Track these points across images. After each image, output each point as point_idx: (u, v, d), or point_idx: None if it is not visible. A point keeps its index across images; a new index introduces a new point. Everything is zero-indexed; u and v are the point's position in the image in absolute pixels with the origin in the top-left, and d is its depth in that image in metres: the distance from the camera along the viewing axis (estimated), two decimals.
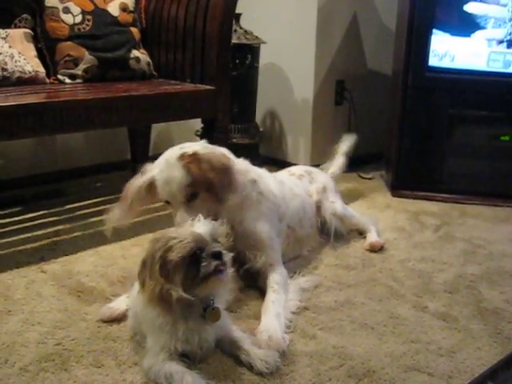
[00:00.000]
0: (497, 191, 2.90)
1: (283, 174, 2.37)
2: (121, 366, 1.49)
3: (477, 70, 2.80)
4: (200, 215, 1.49)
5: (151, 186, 1.81)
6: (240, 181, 1.86)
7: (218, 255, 1.41)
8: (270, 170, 2.19)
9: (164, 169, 1.78)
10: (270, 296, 1.79)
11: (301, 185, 2.32)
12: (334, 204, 2.37)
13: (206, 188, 1.76)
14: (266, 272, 1.88)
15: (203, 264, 1.39)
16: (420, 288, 1.99)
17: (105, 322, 1.69)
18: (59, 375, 1.45)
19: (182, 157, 1.76)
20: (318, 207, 2.34)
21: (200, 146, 1.83)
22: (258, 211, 1.92)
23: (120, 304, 1.73)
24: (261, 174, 2.04)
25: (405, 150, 2.95)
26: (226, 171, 1.79)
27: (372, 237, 2.36)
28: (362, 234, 2.42)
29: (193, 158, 1.76)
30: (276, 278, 1.85)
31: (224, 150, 1.90)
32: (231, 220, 1.75)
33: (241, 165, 1.94)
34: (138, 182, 1.85)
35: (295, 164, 3.23)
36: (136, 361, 1.51)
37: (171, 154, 1.81)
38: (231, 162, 1.85)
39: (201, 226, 1.44)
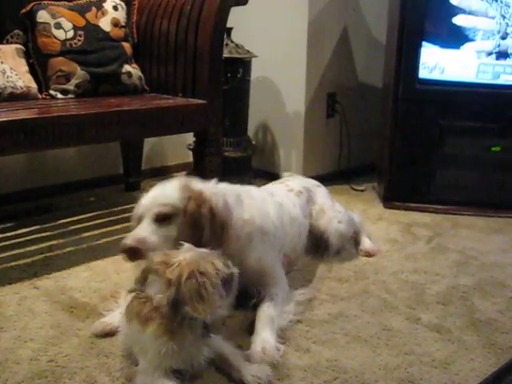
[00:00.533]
0: (488, 202, 2.91)
1: (281, 189, 2.27)
2: (114, 382, 1.49)
3: (466, 81, 2.83)
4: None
5: None
6: (234, 234, 1.77)
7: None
8: (263, 184, 2.17)
9: (158, 187, 1.75)
10: (266, 306, 1.77)
11: (298, 204, 2.22)
12: (338, 225, 2.30)
13: (186, 223, 1.67)
14: (269, 293, 1.84)
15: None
16: (413, 300, 1.99)
17: (97, 336, 1.69)
18: None
19: (186, 186, 1.71)
20: (314, 227, 2.28)
21: (207, 187, 1.76)
22: (258, 249, 1.85)
23: (113, 319, 1.72)
24: (260, 208, 1.92)
25: (396, 162, 2.96)
26: (221, 228, 1.71)
27: (366, 242, 2.38)
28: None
29: (196, 195, 1.70)
30: (276, 290, 1.84)
31: (230, 195, 1.82)
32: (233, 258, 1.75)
33: (240, 209, 1.84)
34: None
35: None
36: (129, 377, 1.50)
37: (176, 181, 1.77)
38: (229, 218, 1.75)
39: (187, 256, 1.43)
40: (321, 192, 2.40)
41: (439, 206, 2.93)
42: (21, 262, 2.21)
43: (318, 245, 2.30)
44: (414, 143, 2.91)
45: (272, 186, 2.33)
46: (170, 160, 3.51)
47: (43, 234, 2.49)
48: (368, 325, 1.81)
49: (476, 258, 2.37)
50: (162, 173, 3.40)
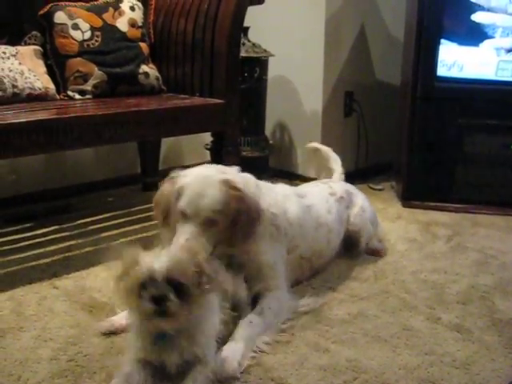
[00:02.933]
0: (509, 200, 2.88)
1: (320, 192, 2.22)
2: None
3: (486, 79, 2.80)
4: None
5: (180, 194, 1.72)
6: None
7: (157, 300, 1.34)
8: (279, 182, 2.14)
9: (200, 181, 1.71)
10: (252, 317, 1.70)
11: (336, 210, 2.17)
12: (370, 227, 2.30)
13: (227, 224, 1.69)
14: (263, 296, 1.80)
15: (141, 303, 1.36)
16: (433, 299, 1.98)
17: (105, 334, 1.69)
18: None
19: (227, 183, 1.70)
20: (350, 227, 2.26)
21: (237, 175, 1.78)
22: (265, 243, 1.83)
23: (121, 318, 1.72)
24: (277, 202, 1.91)
25: (415, 161, 2.94)
26: (255, 221, 1.73)
27: (374, 241, 2.37)
28: None
29: (238, 192, 1.69)
30: (270, 302, 1.77)
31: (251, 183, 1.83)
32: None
33: (268, 198, 1.87)
34: (166, 189, 1.77)
35: (304, 176, 3.24)
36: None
37: (211, 172, 1.75)
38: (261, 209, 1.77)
39: (160, 262, 1.37)
40: (361, 194, 2.38)
41: (458, 205, 2.90)
42: (40, 261, 2.22)
43: (346, 243, 2.28)
44: (433, 142, 2.89)
45: (309, 187, 2.27)
46: (187, 160, 3.51)
47: (62, 234, 2.51)
48: (388, 324, 1.80)
49: (496, 257, 2.34)
50: None
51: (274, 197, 1.91)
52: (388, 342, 1.70)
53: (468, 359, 1.62)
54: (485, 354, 1.65)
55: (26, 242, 2.42)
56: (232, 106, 2.51)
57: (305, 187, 2.29)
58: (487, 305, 1.94)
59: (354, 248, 2.29)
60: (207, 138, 2.86)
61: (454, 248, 2.44)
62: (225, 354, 1.53)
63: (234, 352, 1.55)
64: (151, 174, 3.19)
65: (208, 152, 2.76)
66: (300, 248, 1.99)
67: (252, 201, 1.73)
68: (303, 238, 2.00)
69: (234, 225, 1.69)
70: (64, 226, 2.61)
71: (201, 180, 1.72)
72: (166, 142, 3.33)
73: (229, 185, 1.70)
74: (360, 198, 2.33)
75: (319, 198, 2.16)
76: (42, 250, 2.33)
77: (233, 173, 1.79)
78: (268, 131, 3.36)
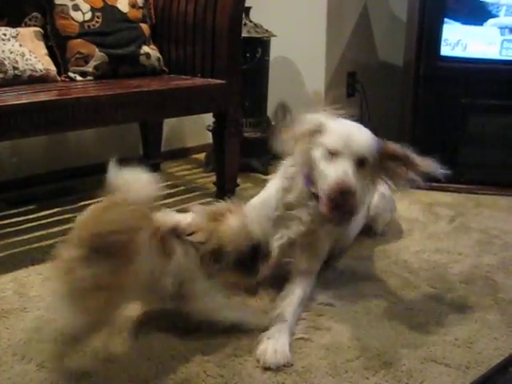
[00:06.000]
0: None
1: None
2: (136, 361, 1.50)
3: (489, 58, 2.78)
4: None
5: (315, 133, 1.72)
6: None
7: None
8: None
9: (348, 124, 1.73)
10: (295, 306, 1.69)
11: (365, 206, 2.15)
12: (387, 214, 2.30)
13: (379, 169, 1.70)
14: (301, 279, 1.79)
15: None
16: (435, 279, 1.98)
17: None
18: (75, 371, 1.45)
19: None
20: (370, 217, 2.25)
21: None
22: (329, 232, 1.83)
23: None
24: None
25: (417, 141, 2.91)
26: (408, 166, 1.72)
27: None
28: None
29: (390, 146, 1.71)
30: (307, 290, 1.77)
31: None
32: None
33: None
34: (307, 123, 1.74)
35: None
36: (153, 355, 1.52)
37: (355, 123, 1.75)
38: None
39: None
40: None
41: (461, 186, 2.89)
42: (43, 243, 2.23)
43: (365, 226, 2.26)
44: (436, 122, 2.88)
45: None
46: (189, 141, 3.50)
47: (65, 216, 2.50)
48: (390, 304, 1.80)
49: (499, 237, 2.34)
50: (182, 154, 3.40)
51: None
52: (390, 321, 1.71)
53: (470, 338, 1.63)
54: (487, 333, 1.65)
55: (29, 224, 2.42)
56: (234, 86, 2.50)
57: None
58: (490, 284, 1.95)
59: (369, 231, 2.28)
60: (209, 119, 2.85)
61: (457, 228, 2.44)
62: (274, 345, 1.52)
63: (282, 344, 1.53)
64: (153, 156, 3.18)
65: (210, 133, 2.76)
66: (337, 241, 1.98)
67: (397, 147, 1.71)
68: (344, 232, 1.99)
69: (384, 171, 1.71)
70: (66, 208, 2.60)
71: (346, 123, 1.73)
72: (168, 124, 3.32)
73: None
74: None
75: None
76: (44, 232, 2.33)
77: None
78: (270, 112, 3.34)
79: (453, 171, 2.86)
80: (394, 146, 1.72)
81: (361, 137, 1.69)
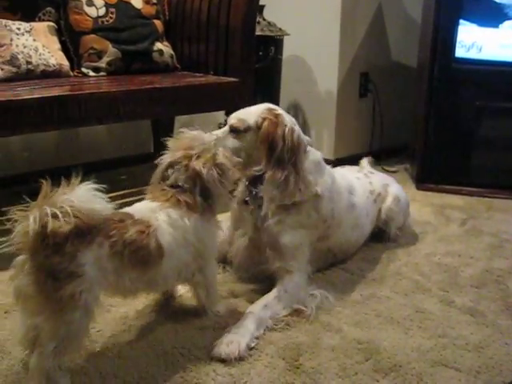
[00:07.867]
0: None
1: (364, 192, 2.14)
2: (144, 358, 1.49)
3: (505, 61, 2.76)
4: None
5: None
6: (309, 180, 1.80)
7: None
8: None
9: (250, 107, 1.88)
10: (268, 300, 1.71)
11: (372, 212, 2.16)
12: (401, 218, 2.27)
13: (257, 145, 1.78)
14: (281, 277, 1.79)
15: None
16: (446, 282, 1.96)
17: None
18: (85, 367, 1.45)
19: (271, 110, 1.81)
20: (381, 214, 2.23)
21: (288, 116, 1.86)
22: (299, 221, 1.82)
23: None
24: (337, 193, 1.94)
25: (430, 143, 2.91)
26: (294, 150, 1.76)
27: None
28: None
29: (275, 119, 1.78)
30: (287, 285, 1.76)
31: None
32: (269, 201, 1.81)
33: (329, 170, 1.94)
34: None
35: None
36: (162, 352, 1.51)
37: (265, 104, 1.88)
38: (301, 147, 1.81)
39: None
40: (396, 184, 2.33)
41: (473, 189, 2.88)
42: None
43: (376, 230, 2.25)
44: (449, 124, 2.86)
45: (354, 179, 2.16)
46: None
47: None
48: (400, 306, 1.79)
49: (510, 241, 2.32)
50: None
51: (330, 183, 1.90)
52: (400, 323, 1.69)
53: (481, 343, 1.61)
54: (498, 338, 1.64)
55: None
56: (246, 84, 2.50)
57: (350, 178, 2.14)
58: (501, 288, 1.93)
59: (383, 235, 2.26)
60: (221, 117, 2.85)
61: (469, 231, 2.42)
62: (231, 337, 1.53)
63: (241, 336, 1.54)
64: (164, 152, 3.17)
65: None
66: (331, 241, 1.97)
67: (288, 131, 1.77)
68: (338, 233, 1.98)
69: (271, 149, 1.75)
70: None
71: (250, 107, 1.89)
72: (180, 121, 3.31)
73: (272, 113, 1.81)
74: (395, 188, 2.29)
75: (363, 199, 2.10)
76: None
77: (283, 113, 1.85)
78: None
79: (465, 174, 2.88)
80: None
81: (247, 111, 1.87)
